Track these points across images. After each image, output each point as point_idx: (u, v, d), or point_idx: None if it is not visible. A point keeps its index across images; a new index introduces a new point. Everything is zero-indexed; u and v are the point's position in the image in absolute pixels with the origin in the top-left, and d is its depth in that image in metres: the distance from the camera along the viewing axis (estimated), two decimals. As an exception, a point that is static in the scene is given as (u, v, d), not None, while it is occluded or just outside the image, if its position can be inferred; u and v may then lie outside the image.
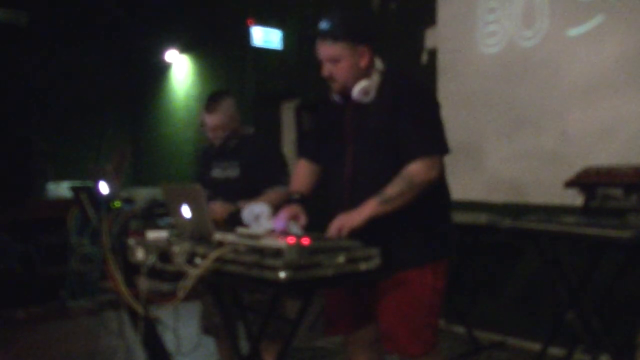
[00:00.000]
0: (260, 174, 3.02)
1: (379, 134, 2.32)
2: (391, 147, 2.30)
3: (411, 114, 2.28)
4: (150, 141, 8.85)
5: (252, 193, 2.94)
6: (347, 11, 2.54)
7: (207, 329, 3.16)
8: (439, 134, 2.34)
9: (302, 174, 2.59)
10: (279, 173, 3.04)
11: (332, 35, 2.30)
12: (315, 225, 2.38)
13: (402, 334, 2.35)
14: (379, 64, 2.41)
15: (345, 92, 2.37)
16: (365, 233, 2.18)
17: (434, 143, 2.31)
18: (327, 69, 2.35)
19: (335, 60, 2.32)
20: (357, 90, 2.33)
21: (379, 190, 2.23)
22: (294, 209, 2.39)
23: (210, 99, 3.16)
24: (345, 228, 2.19)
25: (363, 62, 2.34)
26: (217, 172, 3.18)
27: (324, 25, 2.33)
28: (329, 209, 2.42)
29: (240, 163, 3.10)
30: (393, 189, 2.22)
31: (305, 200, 2.47)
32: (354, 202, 2.29)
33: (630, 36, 3.86)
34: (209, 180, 3.12)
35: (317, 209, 2.47)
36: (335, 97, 2.43)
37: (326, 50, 2.32)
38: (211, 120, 3.11)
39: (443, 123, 2.37)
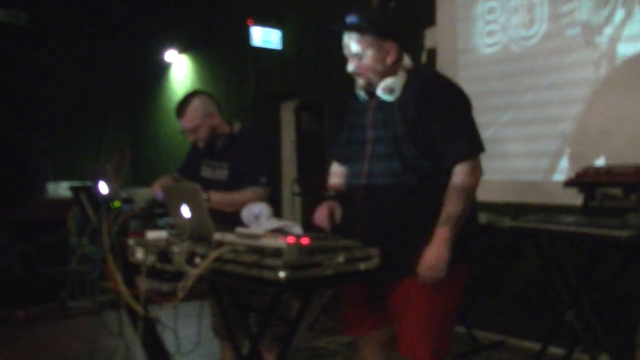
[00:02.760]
0: (243, 173, 2.99)
1: (403, 131, 2.24)
2: (411, 144, 2.23)
3: (443, 113, 2.22)
4: (150, 141, 8.85)
5: None
6: (374, 7, 2.51)
7: (217, 331, 3.15)
8: (475, 133, 2.27)
9: (335, 174, 2.61)
10: (259, 174, 2.97)
11: (358, 29, 2.26)
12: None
13: (415, 338, 2.29)
14: (407, 61, 2.35)
15: (370, 89, 2.32)
16: (385, 237, 2.19)
17: (473, 144, 2.25)
18: (352, 64, 2.31)
19: (360, 56, 2.28)
20: (381, 87, 2.27)
21: (395, 195, 2.25)
22: (331, 203, 2.42)
23: (179, 104, 3.10)
24: (435, 269, 2.19)
25: (389, 59, 2.28)
26: (206, 172, 3.15)
27: (350, 19, 2.29)
28: (345, 216, 2.42)
29: (229, 165, 3.06)
30: (456, 207, 2.19)
31: (339, 196, 2.47)
32: (367, 204, 2.30)
33: (629, 35, 3.86)
34: (198, 179, 3.06)
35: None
36: (360, 94, 2.38)
37: (352, 44, 2.28)
38: (183, 124, 3.07)
39: (475, 120, 2.31)
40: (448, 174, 2.23)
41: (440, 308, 2.29)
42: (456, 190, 2.20)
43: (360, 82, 2.33)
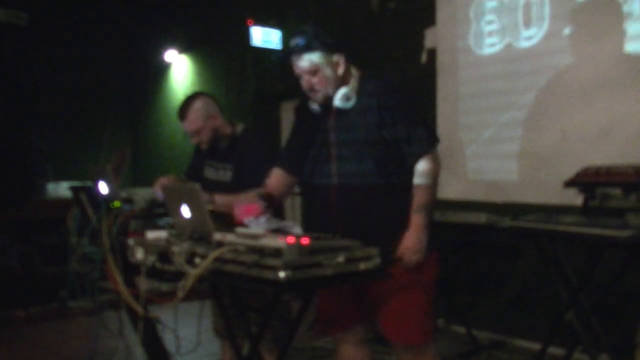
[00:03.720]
0: (247, 176, 2.98)
1: (366, 134, 2.42)
2: (378, 146, 2.41)
3: (405, 115, 2.42)
4: (150, 141, 8.86)
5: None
6: (317, 25, 2.63)
7: (218, 331, 3.15)
8: (430, 128, 2.53)
9: (274, 181, 2.67)
10: (262, 176, 2.91)
11: (307, 48, 2.40)
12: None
13: (406, 324, 2.46)
14: (353, 70, 2.51)
15: (327, 101, 2.46)
16: (362, 233, 2.22)
17: (431, 139, 2.47)
18: (307, 81, 2.45)
19: (313, 72, 2.42)
20: (339, 97, 2.43)
21: (368, 193, 2.41)
22: (258, 204, 2.47)
23: (181, 106, 3.10)
24: (417, 252, 2.38)
25: (340, 70, 2.44)
26: (210, 173, 3.15)
27: (298, 40, 2.43)
28: (316, 214, 2.57)
29: (232, 167, 3.05)
30: (426, 196, 2.42)
31: (269, 200, 2.53)
32: (342, 204, 2.44)
33: (625, 33, 3.86)
34: (201, 180, 3.06)
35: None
36: (314, 107, 2.52)
37: (304, 63, 2.42)
38: (185, 126, 3.07)
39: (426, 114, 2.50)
40: (411, 169, 2.43)
41: (423, 294, 2.48)
42: (422, 188, 2.42)
43: (317, 96, 2.47)
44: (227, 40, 7.17)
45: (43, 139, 7.25)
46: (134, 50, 8.71)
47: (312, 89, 2.45)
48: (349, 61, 2.48)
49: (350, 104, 2.44)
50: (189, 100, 3.10)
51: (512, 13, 4.43)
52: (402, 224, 2.41)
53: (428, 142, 2.43)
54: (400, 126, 2.40)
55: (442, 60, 4.88)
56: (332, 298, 2.56)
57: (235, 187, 2.98)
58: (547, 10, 4.23)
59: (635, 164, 3.56)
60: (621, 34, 3.91)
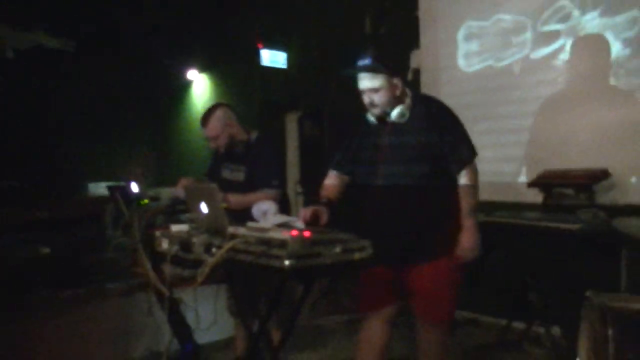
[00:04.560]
0: (257, 177, 2.98)
1: (419, 147, 2.39)
2: (427, 158, 2.40)
3: (451, 130, 2.43)
4: (174, 147, 8.84)
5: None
6: (382, 49, 2.60)
7: (232, 311, 3.13)
8: (471, 144, 2.49)
9: (331, 183, 2.63)
10: (271, 177, 2.96)
11: (373, 70, 2.36)
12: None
13: (438, 307, 2.47)
14: (407, 90, 2.49)
15: (383, 116, 2.43)
16: (408, 232, 2.35)
17: (473, 151, 2.48)
18: (368, 98, 2.41)
19: (375, 91, 2.38)
20: (395, 114, 2.41)
21: (416, 195, 2.40)
22: (319, 208, 2.43)
23: (203, 115, 3.08)
24: (474, 249, 2.44)
25: (397, 91, 2.42)
26: (226, 173, 3.13)
27: (365, 62, 2.38)
28: (365, 215, 2.51)
29: (245, 169, 3.04)
30: (473, 200, 2.44)
31: (330, 205, 2.50)
32: (392, 208, 2.42)
33: (583, 59, 3.86)
34: (219, 179, 3.05)
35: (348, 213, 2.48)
36: (371, 119, 2.47)
37: (368, 82, 2.38)
38: (206, 132, 3.05)
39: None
40: (453, 177, 2.44)
41: (454, 284, 2.49)
42: (469, 188, 2.44)
43: (375, 111, 2.44)
44: (240, 61, 7.15)
45: (85, 147, 7.31)
46: (161, 70, 8.69)
47: (372, 104, 2.41)
48: (404, 82, 2.47)
49: (404, 119, 2.41)
50: (211, 109, 3.08)
51: (488, 38, 4.41)
52: (444, 223, 2.43)
53: (469, 154, 2.45)
54: (449, 140, 2.40)
55: (425, 78, 4.84)
56: (372, 283, 2.52)
57: (247, 186, 2.98)
58: (516, 37, 4.22)
59: (586, 168, 3.56)
60: (574, 59, 3.90)
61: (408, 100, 2.44)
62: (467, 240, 2.43)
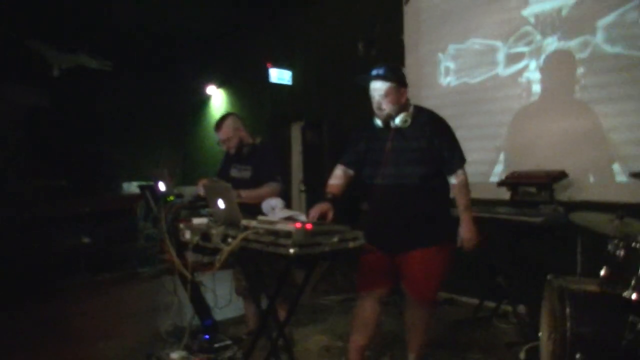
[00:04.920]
0: (262, 173, 2.98)
1: (418, 151, 2.38)
2: (424, 161, 2.38)
3: (446, 139, 2.42)
4: (195, 152, 8.83)
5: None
6: (393, 63, 2.59)
7: (238, 291, 3.14)
8: (461, 151, 2.48)
9: (336, 178, 2.58)
10: (274, 173, 2.98)
11: (385, 78, 2.37)
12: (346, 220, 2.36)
13: (427, 287, 2.47)
14: (410, 102, 2.48)
15: (388, 120, 2.40)
16: (405, 225, 2.34)
17: (463, 157, 2.47)
18: (377, 101, 2.40)
19: (385, 95, 2.37)
20: (399, 119, 2.38)
21: (416, 192, 2.38)
22: (326, 205, 2.39)
23: (216, 122, 3.13)
24: (473, 240, 2.44)
25: (403, 99, 2.42)
26: (235, 172, 3.13)
27: (379, 71, 2.39)
28: (370, 210, 2.49)
29: (251, 168, 3.05)
30: (466, 199, 2.45)
31: (335, 200, 2.47)
32: (390, 204, 2.40)
33: (544, 76, 3.85)
34: (228, 178, 3.06)
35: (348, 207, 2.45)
36: (378, 124, 2.44)
37: (379, 86, 2.38)
38: (219, 135, 3.09)
39: None
40: (445, 178, 2.44)
41: (442, 269, 2.47)
42: (463, 187, 2.45)
43: (382, 114, 2.40)
44: (252, 78, 7.14)
45: (120, 152, 7.32)
46: (185, 86, 8.69)
47: (380, 107, 2.39)
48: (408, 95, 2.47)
49: (406, 125, 2.39)
50: (223, 117, 3.15)
51: (463, 59, 4.40)
52: (437, 216, 2.43)
53: (461, 160, 2.46)
54: (444, 147, 2.40)
55: (409, 93, 4.81)
56: (370, 267, 2.50)
57: (253, 182, 2.99)
58: (487, 58, 4.22)
59: (547, 169, 3.55)
60: (535, 77, 3.89)
61: (411, 109, 2.44)
62: (466, 233, 2.43)
